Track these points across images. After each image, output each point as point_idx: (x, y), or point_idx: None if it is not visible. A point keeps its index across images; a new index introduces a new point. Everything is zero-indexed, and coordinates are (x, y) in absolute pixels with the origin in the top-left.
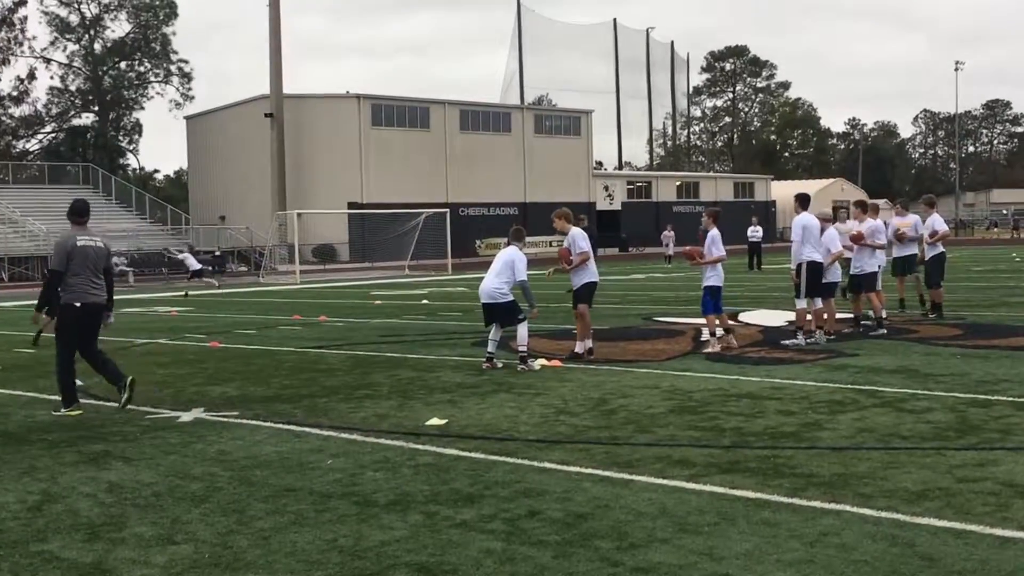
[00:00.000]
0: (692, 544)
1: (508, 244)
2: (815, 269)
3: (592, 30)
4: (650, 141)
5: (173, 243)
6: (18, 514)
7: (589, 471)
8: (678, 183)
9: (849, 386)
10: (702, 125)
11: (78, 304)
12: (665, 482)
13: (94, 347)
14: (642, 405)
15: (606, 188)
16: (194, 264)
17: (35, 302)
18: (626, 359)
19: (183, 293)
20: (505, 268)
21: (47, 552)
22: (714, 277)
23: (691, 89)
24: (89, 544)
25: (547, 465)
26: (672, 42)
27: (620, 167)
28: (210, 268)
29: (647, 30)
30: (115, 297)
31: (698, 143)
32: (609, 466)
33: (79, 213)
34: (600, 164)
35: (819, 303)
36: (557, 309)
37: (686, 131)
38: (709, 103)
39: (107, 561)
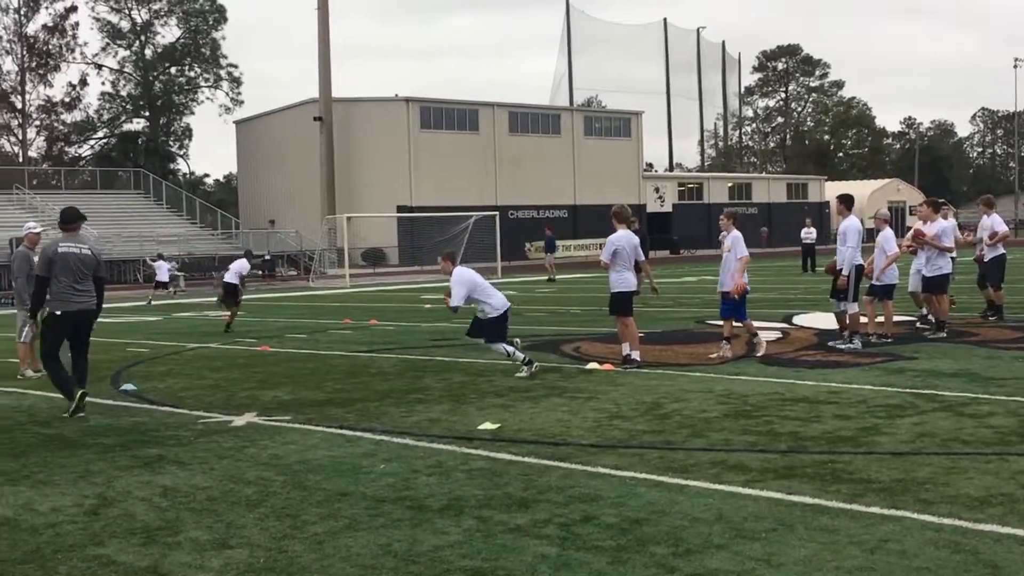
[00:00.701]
0: (749, 550)
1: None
2: (859, 273)
3: (642, 30)
4: (701, 142)
5: (223, 247)
6: (75, 518)
7: (643, 476)
8: (730, 184)
9: (908, 390)
10: (754, 125)
11: (59, 312)
12: (721, 487)
13: (83, 355)
14: (696, 409)
15: (657, 190)
16: (163, 276)
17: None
18: (679, 362)
19: (146, 301)
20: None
21: (104, 556)
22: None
23: (743, 89)
24: (145, 548)
25: (601, 470)
26: (723, 42)
27: (671, 168)
28: (179, 279)
29: (698, 30)
30: (164, 301)
31: (750, 144)
32: (664, 471)
33: (67, 220)
34: (651, 166)
35: (855, 307)
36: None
37: (738, 132)
38: (761, 103)
39: (163, 565)
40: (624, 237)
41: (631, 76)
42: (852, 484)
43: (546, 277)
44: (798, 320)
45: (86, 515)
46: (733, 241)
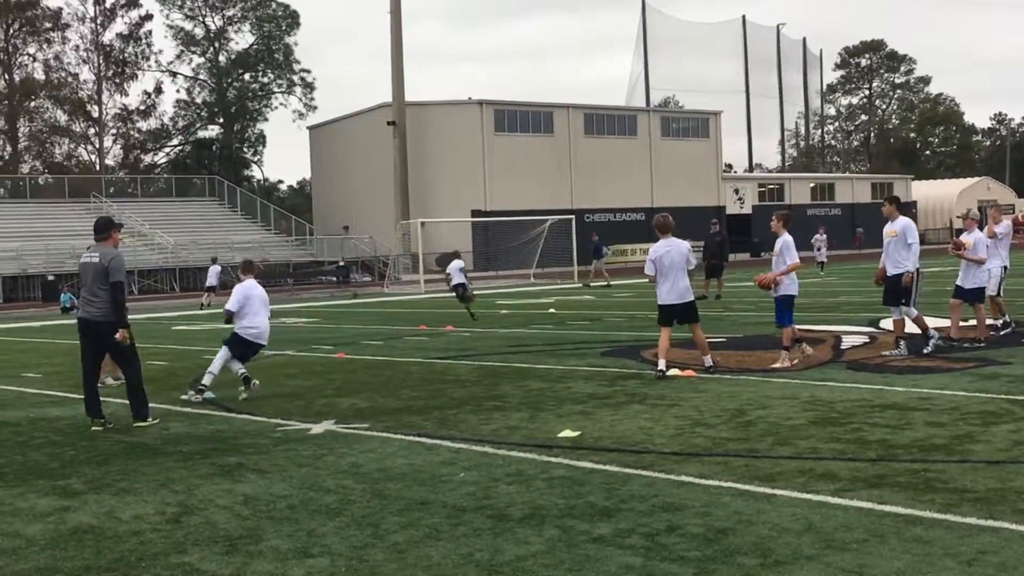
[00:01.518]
0: (840, 562)
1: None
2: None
3: (719, 28)
4: (782, 142)
5: (298, 254)
6: (158, 526)
7: (729, 485)
8: (812, 185)
9: (1003, 396)
10: (836, 124)
11: (76, 321)
12: (809, 497)
13: (98, 365)
14: (781, 416)
15: (736, 191)
16: (213, 280)
17: (165, 315)
18: (763, 368)
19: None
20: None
21: (187, 564)
22: (791, 286)
23: (825, 87)
24: (228, 556)
25: (684, 479)
26: (804, 38)
27: (751, 169)
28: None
29: (777, 27)
30: (215, 310)
31: (833, 143)
32: (750, 480)
33: (96, 230)
34: (730, 167)
35: (915, 312)
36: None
37: (820, 131)
38: (844, 101)
39: (246, 574)
40: (661, 248)
41: (709, 75)
42: (946, 493)
43: (603, 283)
44: (885, 324)
45: (168, 523)
46: (783, 246)
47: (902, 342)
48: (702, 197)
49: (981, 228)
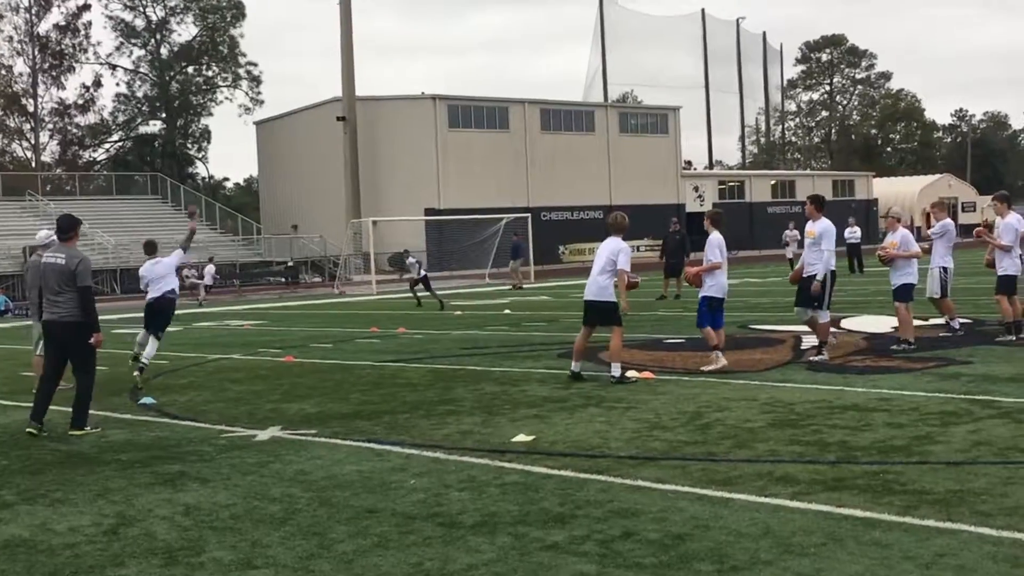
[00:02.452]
0: (798, 566)
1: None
2: (833, 280)
3: (678, 22)
4: (742, 138)
5: (245, 254)
6: (94, 538)
7: (686, 489)
8: (773, 182)
9: (963, 396)
10: (797, 120)
11: (42, 324)
12: (767, 500)
13: (61, 370)
14: (740, 419)
15: (696, 189)
16: (208, 279)
17: (106, 318)
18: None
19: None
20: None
21: None
22: (713, 287)
23: (785, 82)
24: (167, 569)
25: (641, 483)
26: (764, 32)
27: (711, 166)
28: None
29: (737, 20)
30: (185, 311)
31: (793, 139)
32: (707, 484)
33: (60, 229)
34: (689, 164)
35: (826, 316)
36: (648, 317)
37: (780, 127)
38: (804, 96)
39: None
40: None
41: (668, 70)
42: (905, 496)
43: (514, 282)
44: (846, 324)
45: (105, 535)
46: (707, 245)
47: (824, 346)
48: (661, 194)
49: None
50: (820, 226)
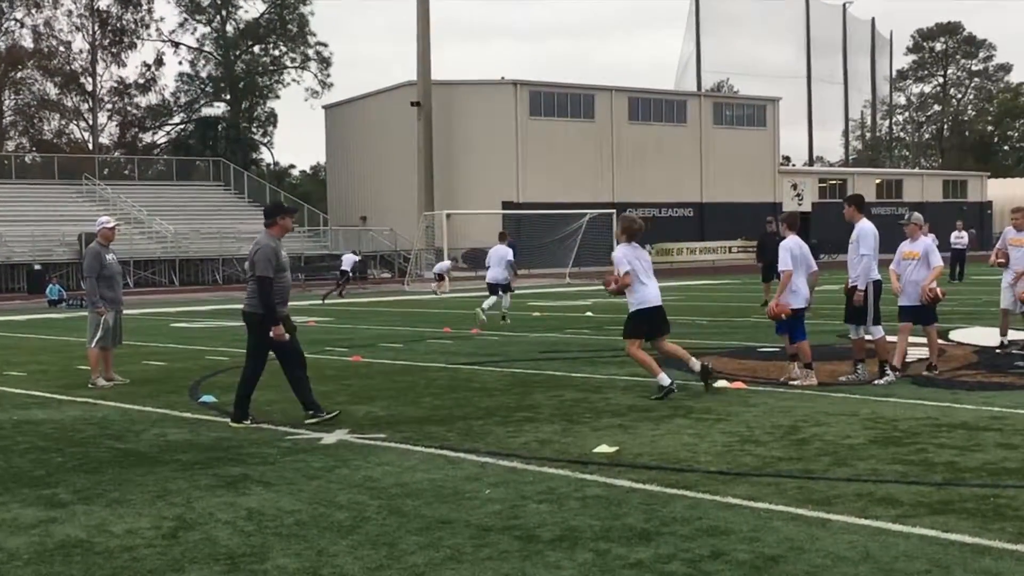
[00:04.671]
0: None
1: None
2: (879, 290)
3: (779, 7)
4: (846, 133)
5: (310, 246)
6: (153, 541)
7: (780, 508)
8: (878, 181)
9: None
10: (906, 114)
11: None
12: (868, 523)
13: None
14: (839, 434)
15: (794, 186)
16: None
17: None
18: (819, 381)
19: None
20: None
21: None
22: (791, 296)
23: (894, 73)
24: None
25: (731, 500)
26: (873, 19)
27: (811, 163)
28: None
29: (843, 5)
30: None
31: (902, 135)
32: (803, 503)
33: (264, 215)
34: (788, 159)
35: (880, 332)
36: (740, 324)
37: (888, 121)
38: (915, 89)
39: None
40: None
41: (767, 58)
42: (1018, 522)
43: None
44: (955, 336)
45: (165, 538)
46: (780, 250)
47: (860, 365)
48: (757, 192)
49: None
50: (856, 229)
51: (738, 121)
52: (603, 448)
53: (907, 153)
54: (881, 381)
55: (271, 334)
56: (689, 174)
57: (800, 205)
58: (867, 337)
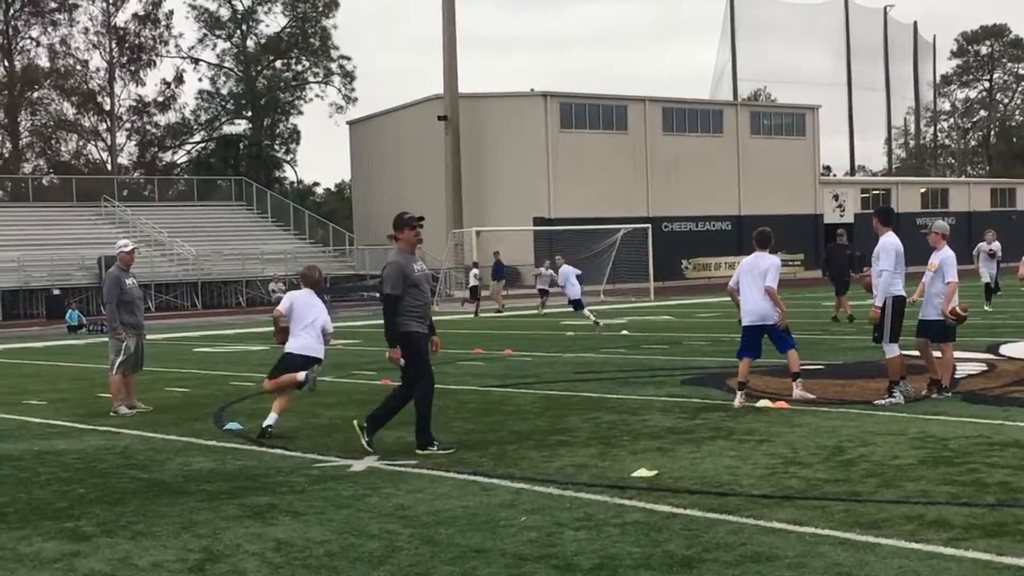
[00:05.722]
0: None
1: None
2: (901, 306)
3: (818, 11)
4: (888, 141)
5: (336, 266)
6: (179, 574)
7: (826, 532)
8: (923, 190)
9: None
10: (951, 121)
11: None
12: (918, 547)
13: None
14: (887, 455)
15: (836, 197)
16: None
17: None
18: (865, 399)
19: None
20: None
21: None
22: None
23: (938, 78)
24: None
25: (776, 525)
26: (915, 22)
27: (852, 172)
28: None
29: (884, 9)
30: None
31: (947, 142)
32: (850, 527)
33: (394, 227)
34: (828, 169)
35: (895, 350)
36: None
37: (932, 128)
38: (960, 94)
39: None
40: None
41: (805, 65)
42: None
43: (497, 307)
44: (1006, 350)
45: (191, 571)
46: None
47: (896, 388)
48: (797, 204)
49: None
50: (879, 243)
51: (776, 130)
52: (642, 472)
53: (953, 161)
54: (883, 401)
55: (387, 356)
56: (726, 186)
57: (842, 216)
58: (896, 353)
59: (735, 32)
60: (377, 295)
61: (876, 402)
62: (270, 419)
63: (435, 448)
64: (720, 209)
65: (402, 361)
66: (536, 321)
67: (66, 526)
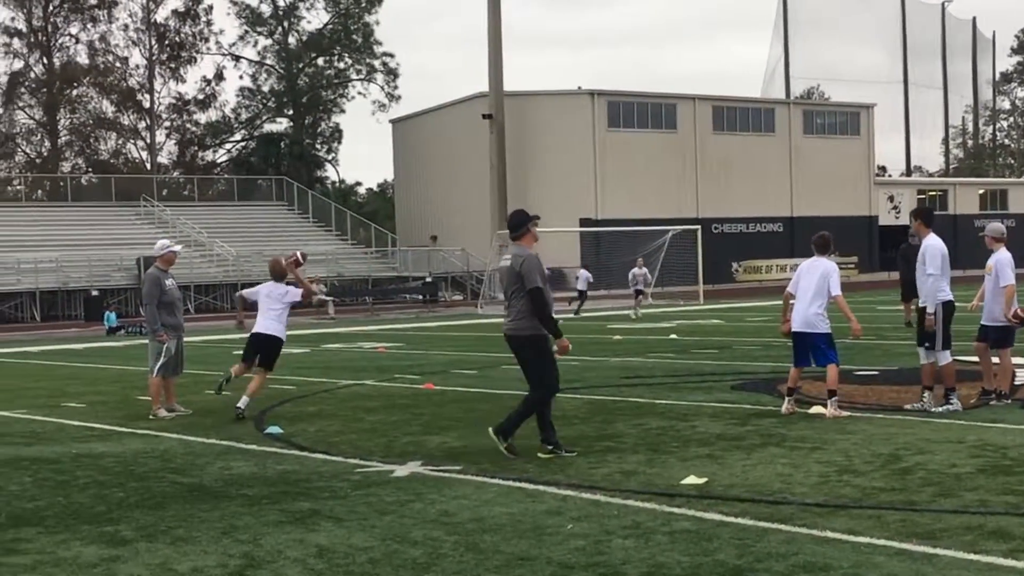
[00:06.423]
0: None
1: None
2: (950, 312)
3: (872, 7)
4: (946, 141)
5: (378, 268)
6: None
7: (882, 542)
8: (981, 191)
9: None
10: (1011, 119)
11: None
12: (977, 558)
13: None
14: (944, 463)
15: (891, 198)
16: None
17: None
18: (896, 404)
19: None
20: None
21: None
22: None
23: (998, 76)
24: None
25: (830, 534)
26: (974, 18)
27: (908, 173)
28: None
29: (942, 5)
30: (316, 331)
31: (1007, 142)
32: (907, 537)
33: (511, 227)
34: (883, 170)
35: (948, 357)
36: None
37: (991, 127)
38: (1020, 92)
39: None
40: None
41: (860, 62)
42: None
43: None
44: None
45: None
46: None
47: (927, 392)
48: (850, 205)
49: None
50: (923, 246)
51: (830, 130)
52: (691, 479)
53: (1012, 161)
54: (940, 408)
55: (555, 347)
56: (778, 186)
57: (897, 218)
58: (949, 360)
59: (788, 28)
60: (420, 297)
61: (932, 409)
62: (242, 401)
63: (564, 451)
64: (771, 210)
65: (570, 347)
66: (581, 325)
67: (105, 530)
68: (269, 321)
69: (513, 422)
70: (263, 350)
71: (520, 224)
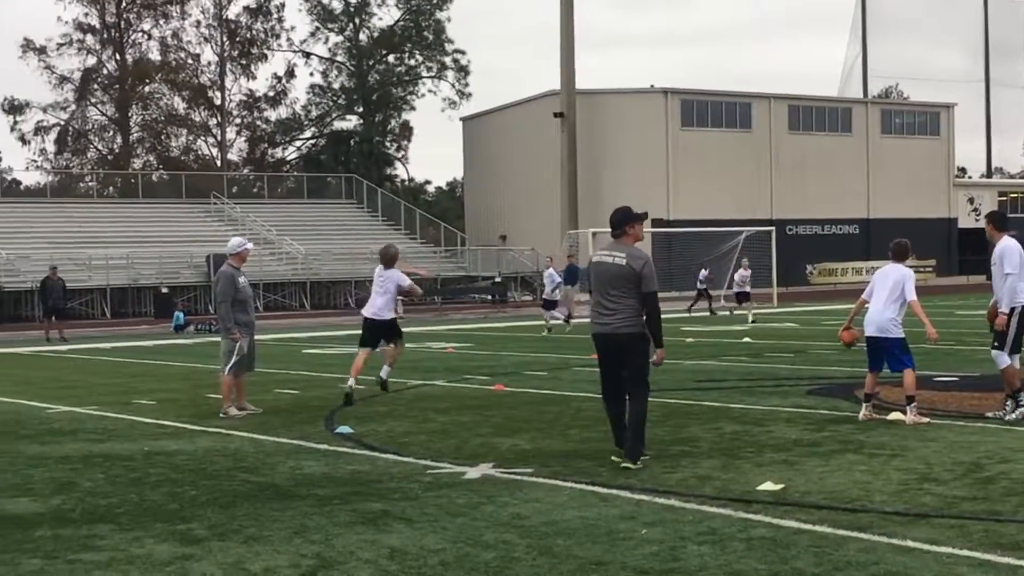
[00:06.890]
0: None
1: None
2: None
3: (953, 5)
4: None
5: (447, 267)
6: None
7: (964, 553)
8: None
9: None
10: None
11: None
12: None
13: (618, 390)
14: None
15: (971, 201)
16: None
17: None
18: (978, 411)
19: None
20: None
21: None
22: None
23: None
24: None
25: (911, 544)
26: None
27: (989, 174)
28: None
29: None
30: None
31: None
32: (990, 548)
33: (613, 224)
34: (963, 171)
35: (1007, 360)
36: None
37: None
38: None
39: None
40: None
41: (940, 61)
42: None
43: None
44: None
45: None
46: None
47: (1010, 400)
48: (929, 207)
49: None
50: (999, 247)
51: (908, 130)
52: (768, 485)
53: None
54: (1013, 415)
55: (653, 358)
56: (854, 187)
57: (977, 221)
58: (1008, 363)
59: (866, 26)
60: (489, 297)
61: (1007, 417)
62: (384, 371)
63: (640, 464)
64: (847, 212)
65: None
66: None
67: (178, 528)
68: (379, 306)
69: (637, 437)
70: (383, 335)
71: (623, 221)
